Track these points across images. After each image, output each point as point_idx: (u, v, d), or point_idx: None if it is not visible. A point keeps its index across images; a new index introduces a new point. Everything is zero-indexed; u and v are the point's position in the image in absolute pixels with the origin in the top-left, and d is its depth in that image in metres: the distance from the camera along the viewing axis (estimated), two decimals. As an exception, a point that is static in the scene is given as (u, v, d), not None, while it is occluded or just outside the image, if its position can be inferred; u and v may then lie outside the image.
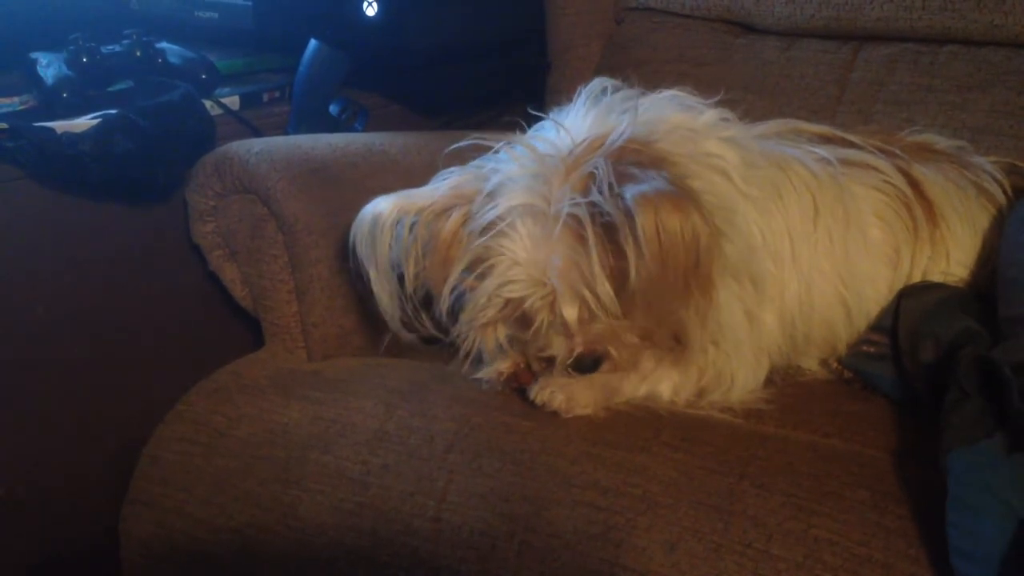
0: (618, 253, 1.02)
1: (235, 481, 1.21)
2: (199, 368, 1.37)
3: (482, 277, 1.10)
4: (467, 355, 1.16)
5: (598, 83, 1.20)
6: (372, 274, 1.16)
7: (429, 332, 1.19)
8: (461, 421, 1.14)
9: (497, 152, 1.16)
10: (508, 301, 1.10)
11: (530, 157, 1.11)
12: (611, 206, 1.01)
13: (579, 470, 1.05)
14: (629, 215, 0.99)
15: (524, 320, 1.11)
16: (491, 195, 1.10)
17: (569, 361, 1.11)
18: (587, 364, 1.11)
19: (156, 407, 1.33)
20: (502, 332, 1.15)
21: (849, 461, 1.02)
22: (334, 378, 1.29)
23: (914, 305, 1.16)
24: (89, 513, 1.36)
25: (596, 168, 1.04)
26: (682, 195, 1.01)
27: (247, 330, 1.46)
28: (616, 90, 1.18)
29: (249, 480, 1.20)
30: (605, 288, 1.04)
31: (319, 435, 1.20)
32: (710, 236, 1.01)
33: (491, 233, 1.09)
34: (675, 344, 1.12)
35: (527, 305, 1.09)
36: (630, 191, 1.00)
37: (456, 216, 1.12)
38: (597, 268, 1.03)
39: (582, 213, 1.03)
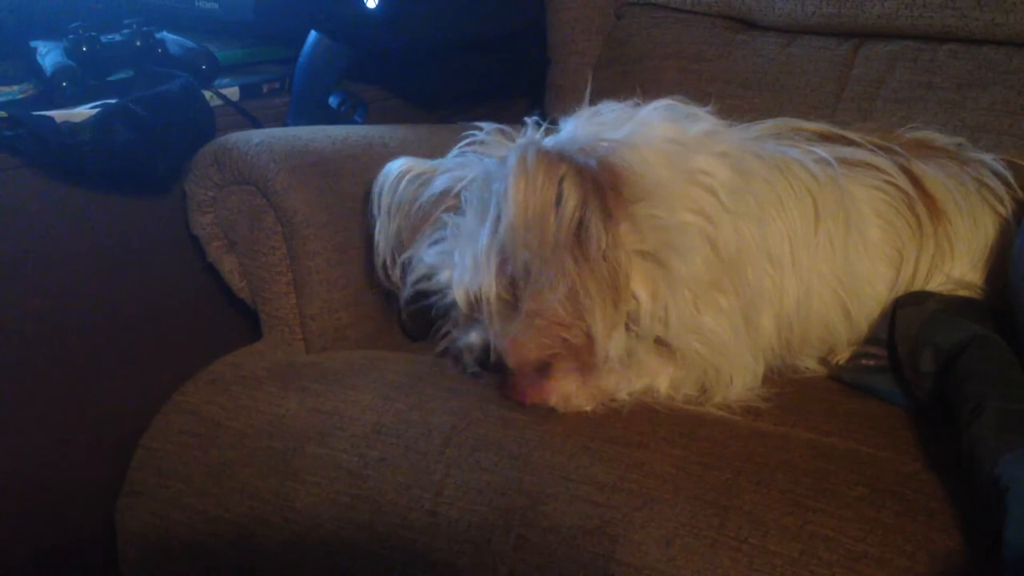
0: None
1: (232, 472, 1.21)
2: (197, 359, 1.36)
3: (431, 246, 1.15)
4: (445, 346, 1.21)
5: (603, 104, 1.20)
6: (378, 220, 1.23)
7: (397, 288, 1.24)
8: (459, 415, 1.14)
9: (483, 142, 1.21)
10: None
11: (497, 143, 1.18)
12: (503, 168, 1.03)
13: (576, 465, 1.06)
14: (508, 171, 1.00)
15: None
16: (448, 169, 1.17)
17: (476, 351, 1.11)
18: (495, 357, 1.10)
19: (153, 398, 1.33)
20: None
21: (847, 458, 1.03)
22: (332, 370, 1.29)
23: (910, 315, 1.17)
24: (87, 504, 1.36)
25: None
26: (561, 159, 1.00)
27: (245, 321, 1.46)
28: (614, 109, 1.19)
29: (246, 471, 1.20)
30: (490, 267, 1.04)
31: (316, 427, 1.20)
32: (580, 206, 1.00)
33: (446, 205, 1.15)
34: (581, 360, 1.09)
35: (445, 280, 1.12)
36: (514, 150, 1.01)
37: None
38: (485, 241, 1.05)
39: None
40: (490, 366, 1.11)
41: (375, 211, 1.23)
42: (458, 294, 1.09)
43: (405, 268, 1.20)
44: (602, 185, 1.02)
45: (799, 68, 1.63)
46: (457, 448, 1.11)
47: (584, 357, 1.08)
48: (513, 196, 0.98)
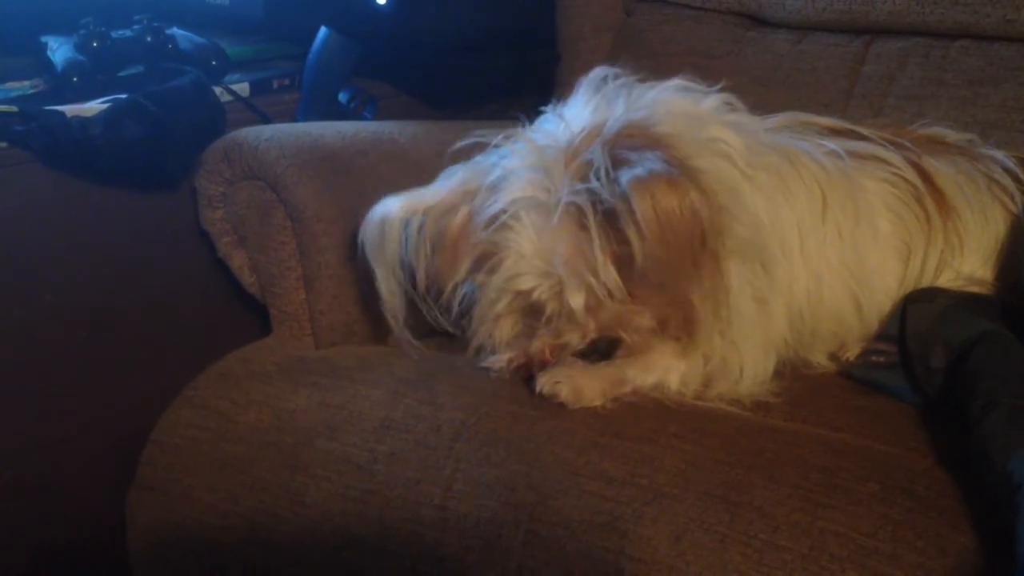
0: (620, 238, 1.04)
1: (242, 467, 1.21)
2: (207, 354, 1.37)
3: (491, 272, 1.12)
4: (478, 349, 1.19)
5: (598, 72, 1.20)
6: (379, 273, 1.18)
7: (444, 328, 1.21)
8: (468, 410, 1.14)
9: (497, 147, 1.17)
10: (517, 293, 1.11)
11: (529, 150, 1.13)
12: (608, 193, 1.03)
13: (586, 460, 1.05)
14: (626, 200, 1.00)
15: (536, 311, 1.12)
16: (492, 189, 1.12)
17: (582, 348, 1.11)
18: (601, 349, 1.12)
19: (164, 393, 1.33)
20: (512, 324, 1.16)
21: (858, 455, 1.03)
22: (342, 365, 1.29)
23: (921, 311, 1.16)
24: (97, 498, 1.36)
25: (592, 156, 1.05)
26: (677, 174, 1.01)
27: (255, 317, 1.46)
28: (616, 78, 1.19)
29: (256, 466, 1.21)
30: (610, 273, 1.06)
31: (326, 422, 1.20)
32: (711, 213, 1.02)
33: (496, 227, 1.10)
34: (688, 328, 1.12)
35: (536, 296, 1.10)
36: (625, 175, 1.02)
37: (463, 213, 1.14)
38: (600, 254, 1.05)
39: (583, 201, 1.05)
40: (595, 355, 1.12)
41: (373, 263, 1.17)
42: (576, 301, 1.07)
43: (453, 299, 1.16)
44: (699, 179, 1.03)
45: (810, 65, 1.62)
46: (467, 443, 1.11)
47: (687, 326, 1.11)
48: (650, 222, 1.00)
